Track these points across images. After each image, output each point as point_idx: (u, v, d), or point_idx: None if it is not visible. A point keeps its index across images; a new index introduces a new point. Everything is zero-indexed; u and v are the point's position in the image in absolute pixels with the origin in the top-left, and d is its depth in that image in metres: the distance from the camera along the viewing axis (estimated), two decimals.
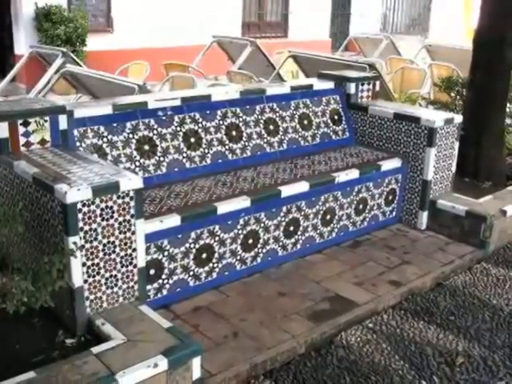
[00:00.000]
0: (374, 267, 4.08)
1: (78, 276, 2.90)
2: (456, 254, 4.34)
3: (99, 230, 2.92)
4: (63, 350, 2.84)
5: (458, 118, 4.73)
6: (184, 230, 3.47)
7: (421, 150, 4.61)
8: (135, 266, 3.11)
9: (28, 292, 2.61)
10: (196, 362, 2.76)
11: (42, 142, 3.41)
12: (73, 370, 2.53)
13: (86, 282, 2.94)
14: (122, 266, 3.05)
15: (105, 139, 3.72)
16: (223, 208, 3.61)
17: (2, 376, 2.50)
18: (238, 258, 3.82)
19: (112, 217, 2.94)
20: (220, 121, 4.29)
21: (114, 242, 2.98)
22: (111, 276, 3.03)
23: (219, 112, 4.30)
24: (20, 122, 3.31)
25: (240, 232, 3.77)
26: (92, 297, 2.99)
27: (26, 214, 3.09)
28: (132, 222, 3.03)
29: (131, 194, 2.99)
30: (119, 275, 3.06)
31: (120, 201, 2.95)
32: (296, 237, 4.13)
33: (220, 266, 3.73)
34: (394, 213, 4.80)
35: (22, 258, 3.27)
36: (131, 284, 3.12)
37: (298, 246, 4.17)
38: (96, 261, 2.95)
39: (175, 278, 3.52)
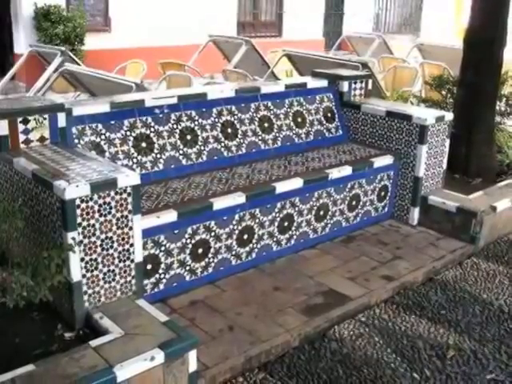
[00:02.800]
0: (366, 262, 4.13)
1: (76, 271, 2.94)
2: (447, 249, 4.40)
3: (97, 225, 2.96)
4: (62, 343, 2.87)
5: (449, 116, 4.78)
6: (180, 226, 3.51)
7: (412, 147, 4.66)
8: (132, 261, 3.15)
9: (27, 286, 2.62)
10: (192, 355, 2.80)
11: (41, 139, 3.45)
12: (71, 363, 2.56)
13: (84, 276, 2.98)
14: (119, 261, 3.09)
15: (103, 136, 3.76)
16: (219, 204, 3.65)
17: (2, 369, 2.53)
18: (234, 253, 3.87)
19: (110, 213, 2.99)
20: (216, 118, 4.33)
21: (111, 237, 3.03)
22: (109, 271, 3.07)
23: (215, 110, 4.34)
24: (20, 119, 3.34)
25: (235, 227, 3.82)
26: (90, 291, 3.03)
27: (26, 209, 3.12)
28: (129, 218, 3.07)
29: (129, 190, 3.03)
30: (117, 270, 3.10)
31: (118, 197, 2.99)
32: (290, 232, 4.18)
33: (216, 260, 3.78)
34: (386, 209, 4.86)
35: (22, 253, 3.30)
36: (129, 279, 3.16)
37: (292, 242, 4.22)
38: (94, 256, 2.99)
39: (172, 272, 3.56)
